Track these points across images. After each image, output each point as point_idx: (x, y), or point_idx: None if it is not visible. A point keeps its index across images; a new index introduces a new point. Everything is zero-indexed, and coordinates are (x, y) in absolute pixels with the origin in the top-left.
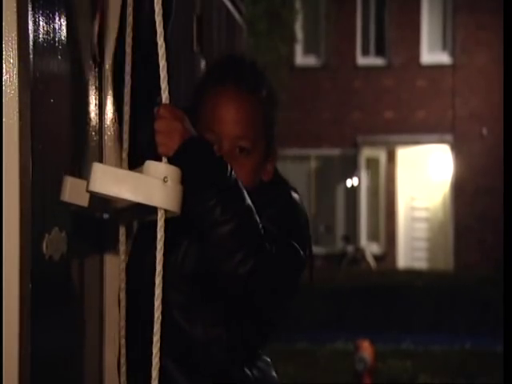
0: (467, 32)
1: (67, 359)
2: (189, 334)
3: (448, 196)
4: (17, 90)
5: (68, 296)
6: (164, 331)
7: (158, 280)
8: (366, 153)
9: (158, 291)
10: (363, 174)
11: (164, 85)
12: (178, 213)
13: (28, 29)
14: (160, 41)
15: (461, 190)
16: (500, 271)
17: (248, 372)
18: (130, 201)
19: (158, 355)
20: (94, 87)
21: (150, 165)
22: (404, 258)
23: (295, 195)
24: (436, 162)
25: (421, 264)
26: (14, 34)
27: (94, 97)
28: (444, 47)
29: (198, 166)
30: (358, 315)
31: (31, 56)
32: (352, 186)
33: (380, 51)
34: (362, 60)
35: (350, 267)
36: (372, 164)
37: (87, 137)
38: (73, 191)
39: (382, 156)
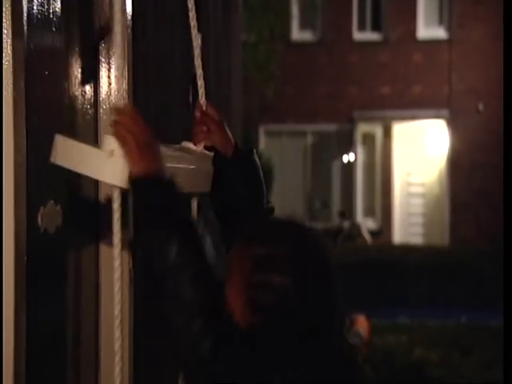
0: (464, 7)
1: (62, 333)
2: None
3: (444, 171)
4: (11, 61)
5: (63, 269)
6: None
7: (116, 251)
8: (362, 128)
9: (117, 263)
10: (359, 149)
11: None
12: (124, 187)
13: (22, 0)
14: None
15: (457, 165)
16: (495, 246)
17: None
18: None
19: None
20: (88, 60)
21: (103, 138)
22: (400, 234)
23: None
24: (432, 137)
25: (417, 239)
26: (8, 5)
27: (88, 69)
28: (440, 22)
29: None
30: (354, 290)
31: (25, 27)
32: (348, 161)
33: (376, 26)
34: (358, 35)
35: (346, 243)
36: (368, 139)
37: (82, 109)
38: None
39: (378, 131)
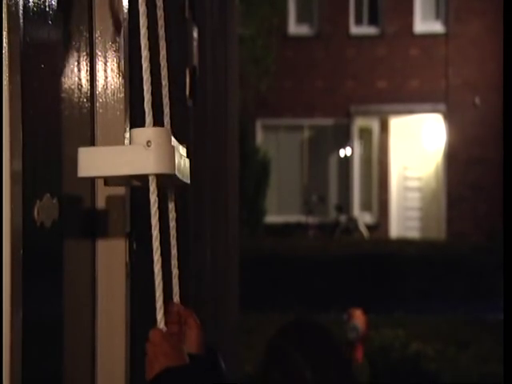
0: (460, 1)
1: (59, 327)
2: None
3: (441, 165)
4: (7, 54)
5: (59, 263)
6: None
7: (156, 245)
8: (359, 122)
9: (157, 257)
10: (356, 143)
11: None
12: (171, 173)
13: None
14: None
15: (453, 159)
16: (492, 240)
17: None
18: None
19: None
20: (85, 53)
21: (132, 132)
22: (397, 228)
23: None
24: (429, 132)
25: (413, 233)
26: None
27: (85, 63)
28: (437, 16)
29: None
30: (351, 284)
31: (21, 21)
32: (345, 155)
33: (373, 20)
34: (355, 29)
35: (343, 237)
36: (365, 133)
37: (79, 103)
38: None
39: (375, 125)
